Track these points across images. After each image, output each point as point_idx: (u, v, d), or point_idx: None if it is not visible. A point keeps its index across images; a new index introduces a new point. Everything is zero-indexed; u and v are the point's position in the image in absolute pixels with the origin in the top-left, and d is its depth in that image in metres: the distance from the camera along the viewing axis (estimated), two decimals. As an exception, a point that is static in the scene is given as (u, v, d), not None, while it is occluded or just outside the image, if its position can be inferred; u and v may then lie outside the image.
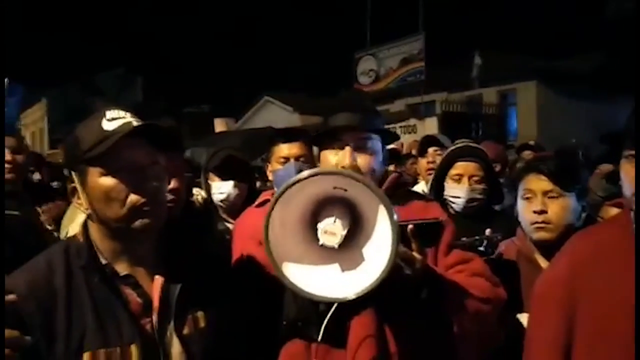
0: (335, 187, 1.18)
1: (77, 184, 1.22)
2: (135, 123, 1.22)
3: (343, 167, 1.47)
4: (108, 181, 1.18)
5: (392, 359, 1.39)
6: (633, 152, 1.30)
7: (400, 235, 1.18)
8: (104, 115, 1.22)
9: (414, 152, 5.22)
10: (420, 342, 1.38)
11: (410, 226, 1.24)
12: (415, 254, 1.25)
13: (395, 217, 1.13)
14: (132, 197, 1.19)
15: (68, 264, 1.21)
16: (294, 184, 1.15)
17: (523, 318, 1.66)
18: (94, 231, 1.25)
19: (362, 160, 1.52)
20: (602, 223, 1.79)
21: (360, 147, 1.52)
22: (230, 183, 2.45)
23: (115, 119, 1.22)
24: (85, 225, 1.27)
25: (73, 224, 2.08)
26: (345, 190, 1.18)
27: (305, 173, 1.16)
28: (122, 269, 1.24)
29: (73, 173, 1.22)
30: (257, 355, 1.38)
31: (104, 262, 1.23)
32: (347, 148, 1.51)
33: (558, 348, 1.41)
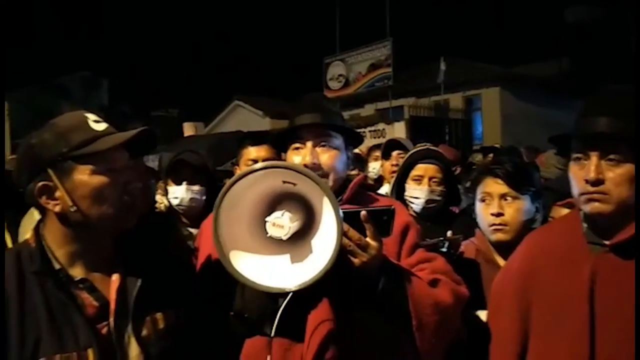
0: (284, 182, 1.19)
1: (56, 182, 1.18)
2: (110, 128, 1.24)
3: (305, 165, 1.46)
4: (101, 179, 1.18)
5: (348, 346, 1.36)
6: (580, 155, 1.36)
7: (354, 222, 1.20)
8: (87, 117, 1.23)
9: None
10: (378, 332, 1.37)
11: (362, 212, 1.24)
12: (369, 240, 1.24)
13: (339, 209, 1.14)
14: (124, 198, 1.21)
15: (20, 269, 1.19)
16: (241, 177, 1.16)
17: (482, 315, 1.71)
18: (50, 235, 1.23)
19: (324, 157, 1.53)
20: (552, 222, 1.85)
21: (321, 145, 1.53)
22: (182, 187, 2.45)
23: (97, 122, 1.23)
24: (37, 230, 1.24)
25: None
26: (295, 184, 1.18)
27: (251, 167, 1.17)
28: (77, 273, 1.23)
29: (50, 170, 1.18)
30: (217, 355, 1.37)
31: (57, 266, 1.21)
32: (308, 145, 1.52)
33: (515, 336, 1.48)
